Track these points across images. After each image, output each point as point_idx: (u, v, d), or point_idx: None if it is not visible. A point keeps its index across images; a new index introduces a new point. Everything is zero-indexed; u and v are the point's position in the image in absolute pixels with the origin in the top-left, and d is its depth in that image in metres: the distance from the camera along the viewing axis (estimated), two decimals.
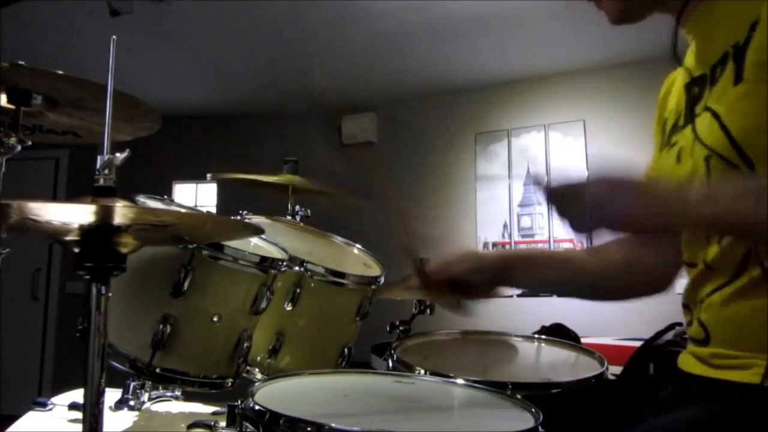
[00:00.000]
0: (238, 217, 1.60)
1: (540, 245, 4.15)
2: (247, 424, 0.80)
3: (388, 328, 1.83)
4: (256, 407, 0.79)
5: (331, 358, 1.56)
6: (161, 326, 1.19)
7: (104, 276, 0.87)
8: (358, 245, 1.79)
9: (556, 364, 1.45)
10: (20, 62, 1.19)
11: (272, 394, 0.89)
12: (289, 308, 1.46)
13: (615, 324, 3.41)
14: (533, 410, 0.84)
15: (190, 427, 1.33)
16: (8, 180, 1.29)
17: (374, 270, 1.67)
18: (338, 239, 1.81)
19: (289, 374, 1.05)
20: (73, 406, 1.50)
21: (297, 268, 1.45)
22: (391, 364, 1.30)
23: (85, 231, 0.85)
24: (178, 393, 1.62)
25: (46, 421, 1.48)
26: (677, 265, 0.95)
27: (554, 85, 4.28)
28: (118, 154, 0.92)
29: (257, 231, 1.18)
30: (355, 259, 1.74)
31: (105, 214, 0.83)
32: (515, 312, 4.04)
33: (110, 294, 0.88)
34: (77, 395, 1.54)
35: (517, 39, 3.82)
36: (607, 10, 0.91)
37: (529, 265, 1.13)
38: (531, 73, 4.24)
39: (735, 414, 0.71)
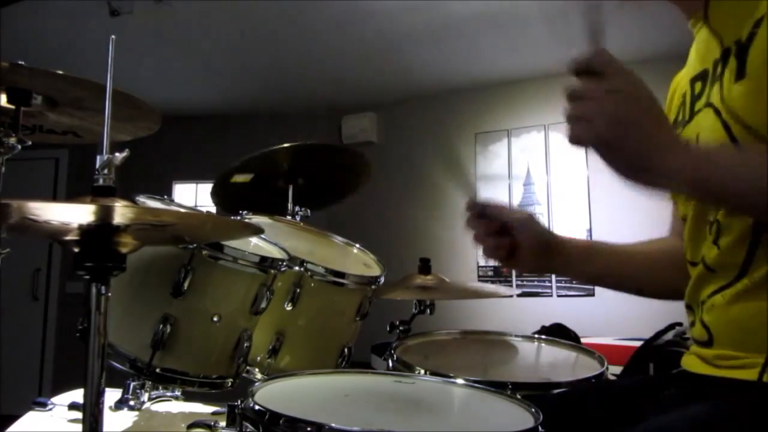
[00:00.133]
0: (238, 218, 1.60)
1: None
2: (247, 424, 0.80)
3: (388, 328, 1.83)
4: (256, 407, 0.79)
5: (331, 358, 1.56)
6: (161, 326, 1.18)
7: (104, 276, 0.87)
8: (358, 245, 1.78)
9: (556, 364, 1.45)
10: (20, 62, 1.19)
11: (272, 394, 0.88)
12: (289, 308, 1.45)
13: (615, 324, 3.41)
14: (533, 410, 0.84)
15: (190, 427, 1.33)
16: (8, 180, 1.30)
17: (374, 270, 1.67)
18: (338, 239, 1.81)
19: (289, 374, 1.05)
20: (73, 406, 1.50)
21: (297, 268, 1.45)
22: (391, 364, 1.30)
23: (84, 231, 0.85)
24: (178, 393, 1.62)
25: (46, 421, 1.48)
26: None
27: (555, 85, 4.24)
28: (117, 154, 0.92)
29: (257, 231, 1.18)
30: (355, 259, 1.74)
31: (105, 213, 0.83)
32: (515, 312, 4.05)
33: (110, 294, 0.88)
34: (77, 395, 1.54)
35: (517, 39, 3.82)
36: None
37: (584, 253, 1.07)
38: (531, 73, 4.24)
39: (737, 411, 0.71)
